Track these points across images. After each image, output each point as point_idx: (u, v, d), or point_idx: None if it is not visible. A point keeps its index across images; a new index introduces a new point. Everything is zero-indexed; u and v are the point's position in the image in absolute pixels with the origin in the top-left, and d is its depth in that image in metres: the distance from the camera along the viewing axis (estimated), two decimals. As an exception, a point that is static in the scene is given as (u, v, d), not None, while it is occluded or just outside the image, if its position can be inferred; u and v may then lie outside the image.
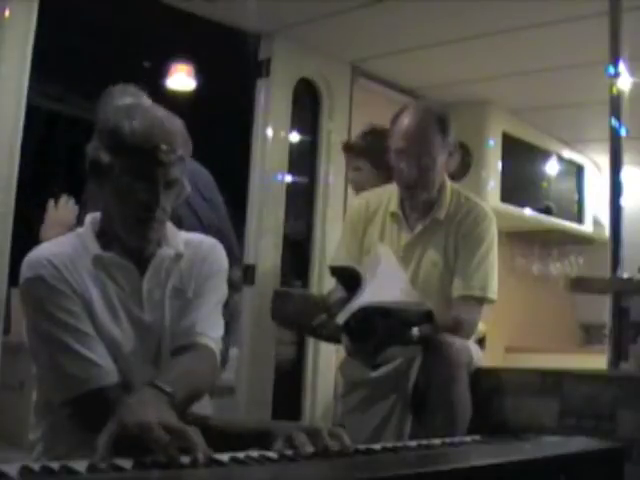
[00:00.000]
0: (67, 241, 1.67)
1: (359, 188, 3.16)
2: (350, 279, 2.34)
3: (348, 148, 3.40)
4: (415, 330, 2.32)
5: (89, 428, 1.45)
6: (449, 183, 2.61)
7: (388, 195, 2.63)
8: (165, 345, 1.66)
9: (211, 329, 1.69)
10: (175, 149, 1.61)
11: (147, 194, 1.60)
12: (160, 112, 1.66)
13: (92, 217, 1.71)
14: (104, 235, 1.67)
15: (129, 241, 1.65)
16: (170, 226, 1.74)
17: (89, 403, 1.53)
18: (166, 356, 1.65)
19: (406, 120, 2.50)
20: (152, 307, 1.66)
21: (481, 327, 2.59)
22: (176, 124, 1.66)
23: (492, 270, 2.51)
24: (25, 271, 1.59)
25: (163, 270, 1.69)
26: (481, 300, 2.49)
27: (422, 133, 2.48)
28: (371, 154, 3.13)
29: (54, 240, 1.68)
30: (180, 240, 1.74)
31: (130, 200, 1.60)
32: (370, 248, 2.60)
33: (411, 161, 2.47)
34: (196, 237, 1.80)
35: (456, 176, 2.67)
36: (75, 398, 1.54)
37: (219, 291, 1.77)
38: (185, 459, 1.21)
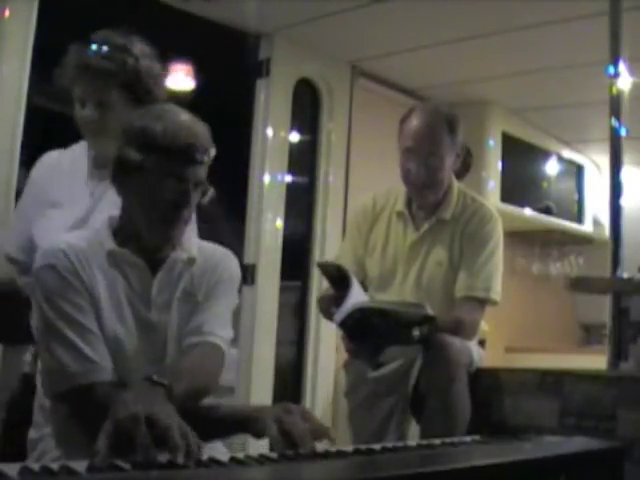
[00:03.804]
0: (84, 235, 1.69)
1: (101, 130, 2.14)
2: (339, 278, 2.34)
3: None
4: (415, 330, 2.32)
5: (79, 424, 1.50)
6: (456, 183, 2.61)
7: (395, 194, 2.64)
8: (171, 346, 1.66)
9: (220, 329, 1.70)
10: (208, 149, 1.66)
11: (178, 193, 1.63)
12: (186, 114, 1.69)
13: (109, 215, 1.73)
14: (121, 233, 1.69)
15: (151, 239, 1.67)
16: (186, 230, 1.76)
17: (79, 398, 1.54)
18: (172, 357, 1.66)
19: (415, 120, 2.50)
20: (160, 308, 1.67)
21: (483, 327, 2.59)
22: (202, 126, 1.68)
23: (496, 271, 2.50)
24: (39, 259, 1.62)
25: (175, 272, 1.70)
26: (484, 301, 2.48)
27: (431, 133, 2.48)
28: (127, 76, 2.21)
29: (72, 233, 1.71)
30: (193, 245, 1.76)
31: (160, 198, 1.62)
32: (375, 247, 2.60)
33: (419, 161, 2.47)
34: (209, 245, 1.83)
35: (456, 176, 2.66)
36: (66, 391, 1.55)
37: (229, 296, 1.78)
38: (164, 458, 1.21)
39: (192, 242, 1.76)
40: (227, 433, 1.63)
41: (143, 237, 1.66)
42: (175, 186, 1.62)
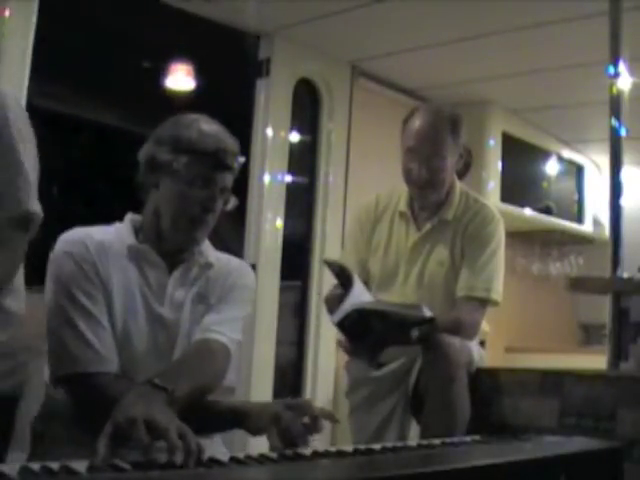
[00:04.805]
0: (105, 229, 1.73)
1: None
2: (343, 277, 2.34)
3: None
4: (413, 331, 2.32)
5: (77, 413, 1.54)
6: (458, 184, 2.61)
7: (398, 194, 2.64)
8: (180, 346, 1.68)
9: (228, 330, 1.71)
10: (237, 156, 1.72)
11: (205, 197, 1.67)
12: (216, 124, 1.74)
13: (132, 216, 1.77)
14: (142, 232, 1.73)
15: (174, 241, 1.70)
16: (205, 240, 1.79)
17: (80, 385, 1.56)
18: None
19: (418, 121, 2.51)
20: (174, 305, 1.69)
21: (483, 328, 2.59)
22: (232, 136, 1.74)
23: (497, 272, 2.50)
24: (58, 245, 1.66)
25: (192, 273, 1.74)
26: (484, 301, 2.48)
27: (433, 134, 2.48)
28: None
29: (95, 227, 1.73)
30: (212, 253, 1.80)
31: (188, 200, 1.67)
32: (378, 247, 2.60)
33: (422, 161, 2.48)
34: (225, 255, 1.86)
35: (457, 176, 2.67)
36: (68, 376, 1.57)
37: (242, 303, 1.80)
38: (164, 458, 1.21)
39: (210, 251, 1.80)
40: (226, 427, 1.66)
41: (166, 238, 1.70)
42: (203, 189, 1.67)
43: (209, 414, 1.60)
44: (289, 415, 1.45)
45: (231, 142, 1.72)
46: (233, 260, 1.86)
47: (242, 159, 1.75)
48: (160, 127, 1.74)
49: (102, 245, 1.66)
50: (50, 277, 1.65)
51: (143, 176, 1.72)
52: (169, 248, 1.71)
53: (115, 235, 1.71)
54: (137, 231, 1.74)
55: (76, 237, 1.66)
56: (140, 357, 1.63)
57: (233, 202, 1.75)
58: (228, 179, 1.71)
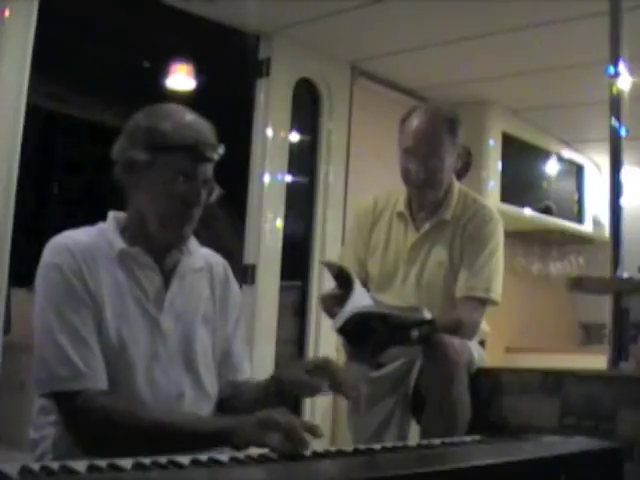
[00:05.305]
0: (91, 232, 1.68)
1: None
2: (342, 279, 2.33)
3: None
4: (414, 332, 2.31)
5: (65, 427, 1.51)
6: (457, 184, 2.61)
7: (396, 195, 2.64)
8: (191, 362, 1.69)
9: (248, 362, 1.80)
10: (216, 146, 1.66)
11: (189, 191, 1.63)
12: (192, 114, 1.69)
13: (115, 214, 1.72)
14: (129, 232, 1.69)
15: (162, 239, 1.67)
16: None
17: (62, 402, 1.54)
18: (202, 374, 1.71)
19: (415, 120, 2.50)
20: (175, 314, 1.67)
21: (484, 328, 2.59)
22: (208, 124, 1.69)
23: (497, 272, 2.50)
24: (46, 256, 1.61)
25: (187, 281, 1.72)
26: (484, 301, 2.48)
27: (431, 133, 2.48)
28: None
29: (80, 229, 1.69)
30: (198, 252, 1.78)
31: (171, 197, 1.62)
32: (376, 248, 2.60)
33: (419, 161, 2.47)
34: (207, 251, 1.84)
35: (456, 176, 2.67)
36: (50, 394, 1.55)
37: (241, 319, 1.89)
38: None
39: (197, 248, 1.77)
40: (212, 447, 1.54)
41: (153, 237, 1.66)
42: (185, 184, 1.63)
43: (193, 434, 1.53)
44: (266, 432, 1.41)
45: (209, 132, 1.66)
46: (217, 258, 1.84)
47: (221, 149, 1.68)
48: (132, 120, 1.67)
49: (89, 250, 1.61)
50: (38, 289, 1.60)
51: (121, 176, 1.66)
52: (158, 247, 1.67)
53: (101, 237, 1.66)
54: (122, 231, 1.69)
55: (62, 247, 1.60)
56: (138, 362, 1.60)
57: (217, 192, 1.70)
58: (209, 170, 1.67)
